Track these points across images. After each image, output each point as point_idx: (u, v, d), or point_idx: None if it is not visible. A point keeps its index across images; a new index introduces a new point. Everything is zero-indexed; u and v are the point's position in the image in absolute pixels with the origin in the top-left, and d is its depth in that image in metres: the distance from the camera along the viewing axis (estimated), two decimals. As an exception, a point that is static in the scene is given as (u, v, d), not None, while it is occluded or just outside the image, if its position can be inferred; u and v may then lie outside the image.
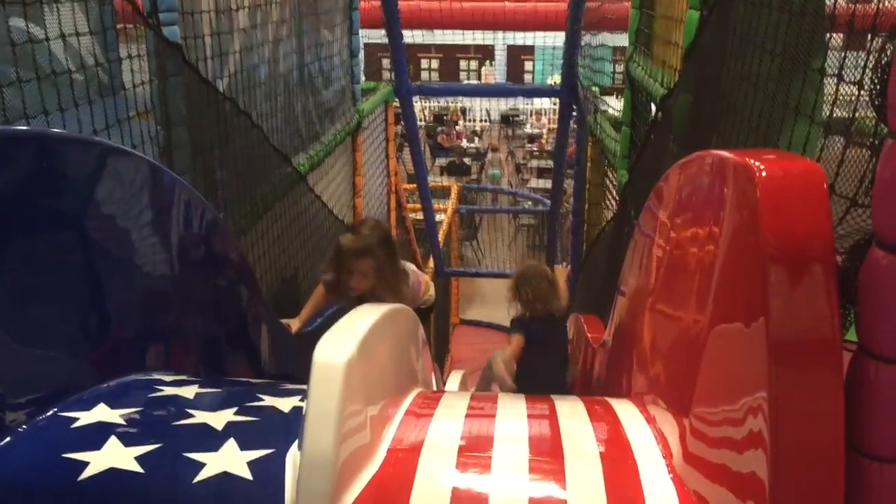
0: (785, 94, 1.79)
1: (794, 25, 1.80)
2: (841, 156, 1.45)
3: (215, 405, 1.82)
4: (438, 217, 11.36)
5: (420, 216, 10.59)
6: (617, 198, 4.89)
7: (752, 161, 1.30)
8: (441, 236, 11.31)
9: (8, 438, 1.60)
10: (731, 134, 2.24)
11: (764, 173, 1.25)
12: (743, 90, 2.12)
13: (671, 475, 1.51)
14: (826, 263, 1.19)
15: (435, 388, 3.29)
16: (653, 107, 3.82)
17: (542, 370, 3.97)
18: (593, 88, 6.36)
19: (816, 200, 1.22)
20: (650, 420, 1.79)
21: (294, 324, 3.52)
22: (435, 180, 15.43)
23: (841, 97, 1.56)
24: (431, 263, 11.07)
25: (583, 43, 6.68)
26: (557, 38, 8.71)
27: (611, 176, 5.66)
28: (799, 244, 1.20)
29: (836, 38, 1.66)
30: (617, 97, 6.03)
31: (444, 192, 13.79)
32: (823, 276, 1.19)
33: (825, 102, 1.64)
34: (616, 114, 5.62)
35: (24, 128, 2.08)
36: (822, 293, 1.19)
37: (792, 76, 1.77)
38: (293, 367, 3.59)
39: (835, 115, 1.58)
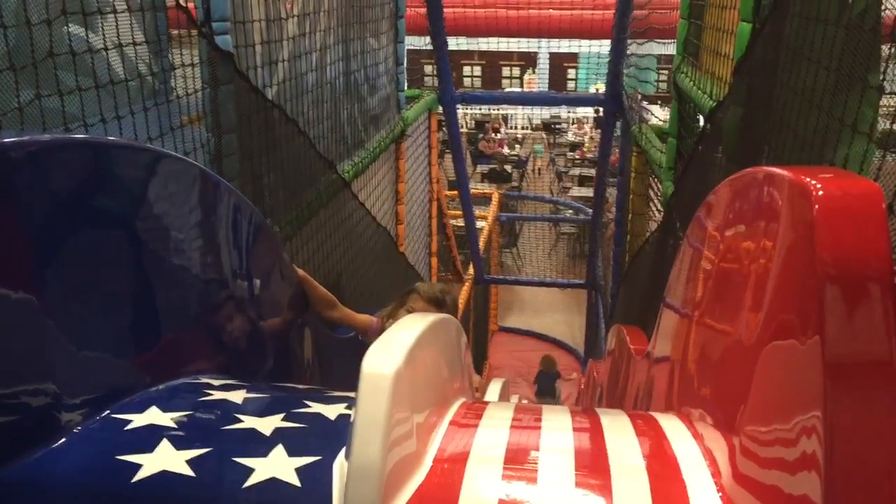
0: (841, 110, 1.76)
1: (851, 40, 1.77)
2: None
3: (263, 410, 1.85)
4: (479, 224, 11.38)
5: (461, 223, 10.61)
6: (661, 209, 4.85)
7: (808, 179, 1.29)
8: (481, 243, 11.31)
9: (63, 439, 1.63)
10: (783, 149, 2.21)
11: (821, 192, 1.24)
12: (796, 105, 2.09)
13: (720, 494, 1.49)
14: (884, 284, 1.17)
15: (474, 398, 3.28)
16: (700, 118, 3.79)
17: (544, 393, 9.89)
18: (638, 96, 6.32)
19: (875, 220, 1.20)
20: (697, 436, 1.77)
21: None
22: (476, 187, 15.46)
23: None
24: (472, 270, 11.08)
25: (628, 52, 6.65)
26: (602, 46, 8.68)
27: (655, 187, 5.62)
28: (856, 264, 1.18)
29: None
30: (661, 105, 6.00)
31: (484, 200, 13.81)
32: (881, 297, 1.17)
33: (883, 117, 1.62)
34: (661, 123, 5.59)
35: (80, 135, 2.14)
36: (879, 314, 1.17)
37: (848, 92, 1.75)
38: (336, 370, 3.62)
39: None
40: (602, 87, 8.50)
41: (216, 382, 2.08)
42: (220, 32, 2.92)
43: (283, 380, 2.81)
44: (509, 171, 19.29)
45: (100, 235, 1.82)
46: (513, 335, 13.53)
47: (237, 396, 1.94)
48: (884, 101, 1.63)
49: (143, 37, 2.68)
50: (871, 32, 1.69)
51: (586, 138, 21.34)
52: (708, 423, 1.73)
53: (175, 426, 1.72)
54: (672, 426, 1.87)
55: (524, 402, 8.76)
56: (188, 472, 1.54)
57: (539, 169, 21.86)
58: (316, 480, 1.54)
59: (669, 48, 4.97)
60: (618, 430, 1.87)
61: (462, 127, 16.88)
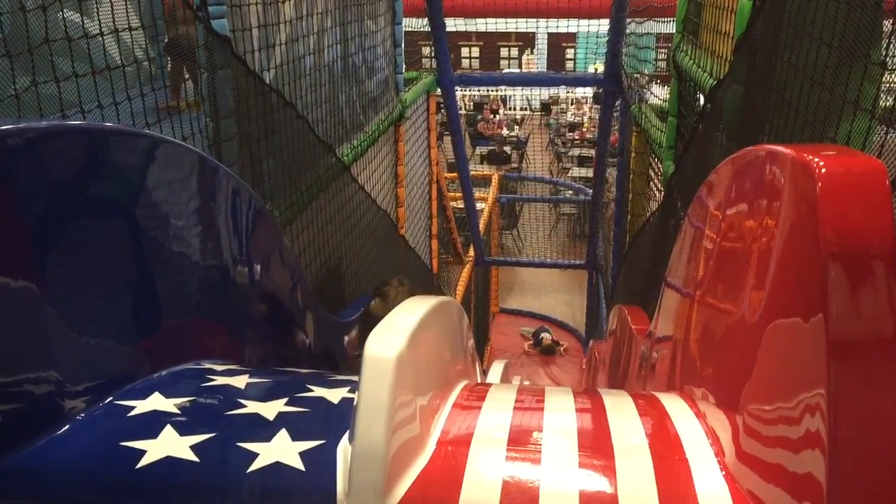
0: (842, 87, 1.75)
1: (852, 16, 1.76)
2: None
3: (266, 395, 1.85)
4: (479, 206, 11.35)
5: (461, 205, 10.60)
6: (661, 188, 4.83)
7: (810, 156, 1.28)
8: (482, 225, 11.29)
9: (67, 426, 1.63)
10: (784, 127, 2.20)
11: (824, 169, 1.23)
12: (797, 82, 2.08)
13: (723, 473, 1.49)
14: (887, 261, 1.17)
15: (477, 380, 3.29)
16: (700, 97, 3.76)
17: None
18: (637, 76, 6.29)
19: (878, 197, 1.20)
20: (700, 416, 1.77)
21: None
22: (475, 169, 15.40)
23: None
24: (472, 252, 11.08)
25: (627, 31, 6.61)
26: (601, 25, 8.62)
27: (655, 166, 5.60)
28: (859, 242, 1.18)
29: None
30: (659, 84, 5.96)
31: (484, 181, 13.76)
32: (884, 274, 1.17)
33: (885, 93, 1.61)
34: (660, 102, 5.56)
35: (77, 122, 2.12)
36: (882, 291, 1.17)
37: (849, 69, 1.73)
38: (338, 354, 3.62)
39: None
40: (601, 67, 8.46)
41: (219, 368, 2.08)
42: (217, 16, 2.90)
43: (285, 361, 2.82)
44: (508, 152, 19.23)
45: (99, 222, 1.82)
46: (514, 316, 13.52)
47: (240, 381, 1.93)
48: (886, 76, 1.62)
49: (139, 21, 2.66)
50: (873, 8, 1.67)
51: (585, 118, 21.24)
52: (711, 403, 1.73)
53: (178, 412, 1.72)
54: (675, 406, 1.88)
55: (526, 383, 8.78)
56: (192, 457, 1.55)
57: (541, 140, 22.16)
58: (320, 464, 1.54)
59: (669, 27, 4.94)
60: (621, 410, 1.87)
61: (461, 108, 16.81)
